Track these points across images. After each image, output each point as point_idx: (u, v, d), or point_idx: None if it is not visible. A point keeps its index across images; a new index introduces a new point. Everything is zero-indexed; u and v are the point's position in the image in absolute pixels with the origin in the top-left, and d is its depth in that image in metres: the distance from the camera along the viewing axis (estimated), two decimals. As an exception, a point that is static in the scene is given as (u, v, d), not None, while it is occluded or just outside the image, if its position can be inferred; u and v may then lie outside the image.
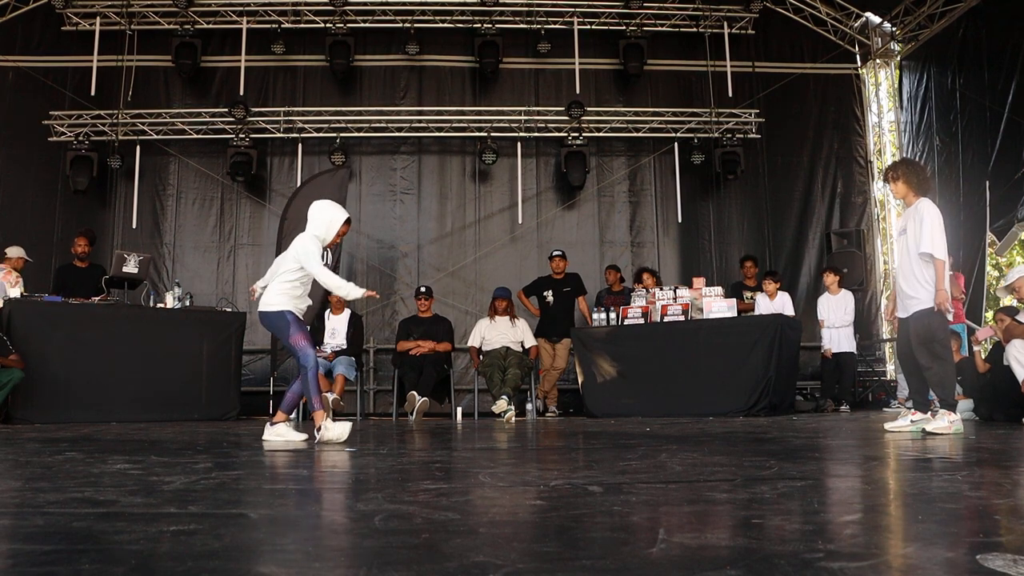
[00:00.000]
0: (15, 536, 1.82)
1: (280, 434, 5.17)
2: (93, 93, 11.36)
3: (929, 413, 5.51)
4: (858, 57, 12.92)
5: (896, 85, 12.83)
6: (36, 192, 11.53)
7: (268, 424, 5.29)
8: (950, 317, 5.49)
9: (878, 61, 12.93)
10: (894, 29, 12.46)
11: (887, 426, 5.67)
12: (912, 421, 5.54)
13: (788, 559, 1.48)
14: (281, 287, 5.30)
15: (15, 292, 8.28)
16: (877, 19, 12.62)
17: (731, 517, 2.06)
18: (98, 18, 11.61)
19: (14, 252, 8.95)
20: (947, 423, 5.21)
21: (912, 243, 5.50)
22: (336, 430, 5.05)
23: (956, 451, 4.04)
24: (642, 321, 8.91)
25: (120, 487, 2.62)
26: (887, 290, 12.23)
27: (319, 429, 5.09)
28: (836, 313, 9.74)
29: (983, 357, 7.45)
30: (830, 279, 9.87)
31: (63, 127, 11.35)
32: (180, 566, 1.51)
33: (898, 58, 12.69)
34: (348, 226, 5.49)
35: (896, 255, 5.81)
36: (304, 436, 5.14)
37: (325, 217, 5.37)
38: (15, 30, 11.83)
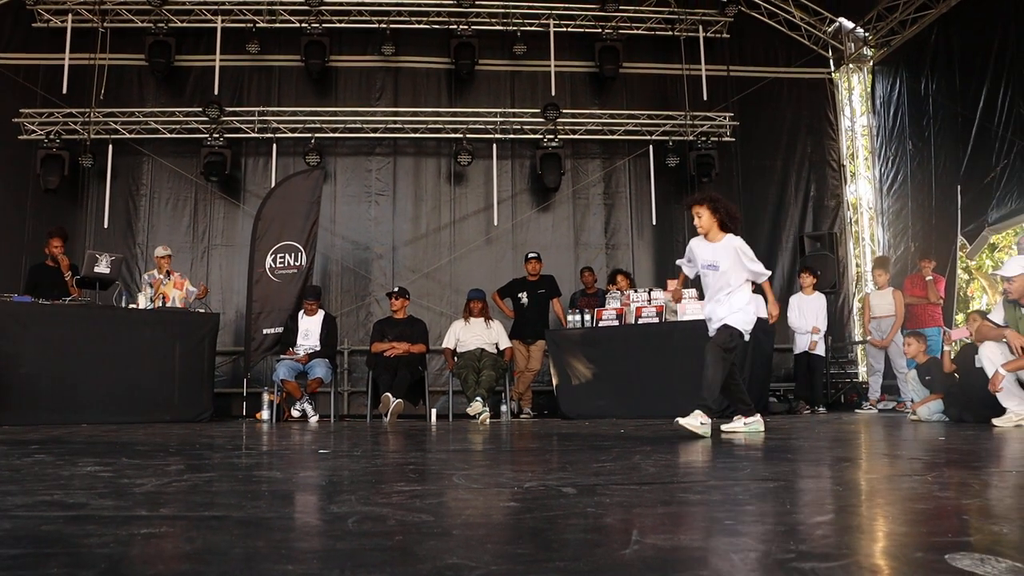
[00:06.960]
0: (-18, 539, 1.79)
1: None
2: (65, 91, 11.24)
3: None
4: (831, 62, 13.06)
5: (869, 90, 12.97)
6: (6, 191, 11.40)
7: None
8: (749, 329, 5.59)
9: (851, 66, 13.06)
10: (867, 34, 12.59)
11: (723, 427, 5.70)
12: (745, 423, 5.69)
13: (760, 559, 1.49)
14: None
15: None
16: (850, 24, 12.75)
17: (704, 518, 2.07)
18: (70, 15, 11.50)
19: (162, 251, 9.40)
20: (741, 424, 5.63)
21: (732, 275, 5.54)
22: None
23: (924, 452, 4.08)
24: (616, 323, 8.93)
25: (90, 490, 2.59)
26: (859, 292, 12.33)
27: None
28: (807, 314, 9.81)
29: (951, 358, 7.53)
30: (807, 280, 9.94)
31: (34, 125, 11.22)
32: (151, 569, 1.50)
33: (871, 63, 12.82)
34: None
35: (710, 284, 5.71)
36: None
37: None
38: (-15, 27, 11.71)
